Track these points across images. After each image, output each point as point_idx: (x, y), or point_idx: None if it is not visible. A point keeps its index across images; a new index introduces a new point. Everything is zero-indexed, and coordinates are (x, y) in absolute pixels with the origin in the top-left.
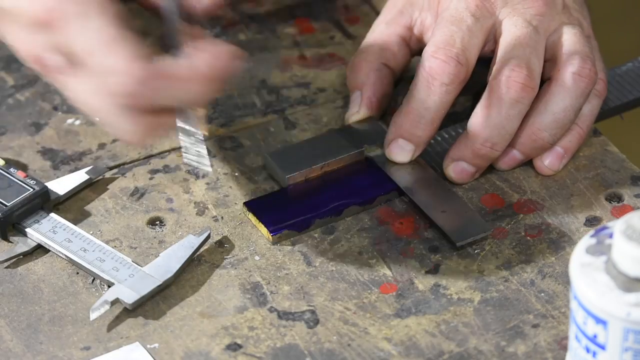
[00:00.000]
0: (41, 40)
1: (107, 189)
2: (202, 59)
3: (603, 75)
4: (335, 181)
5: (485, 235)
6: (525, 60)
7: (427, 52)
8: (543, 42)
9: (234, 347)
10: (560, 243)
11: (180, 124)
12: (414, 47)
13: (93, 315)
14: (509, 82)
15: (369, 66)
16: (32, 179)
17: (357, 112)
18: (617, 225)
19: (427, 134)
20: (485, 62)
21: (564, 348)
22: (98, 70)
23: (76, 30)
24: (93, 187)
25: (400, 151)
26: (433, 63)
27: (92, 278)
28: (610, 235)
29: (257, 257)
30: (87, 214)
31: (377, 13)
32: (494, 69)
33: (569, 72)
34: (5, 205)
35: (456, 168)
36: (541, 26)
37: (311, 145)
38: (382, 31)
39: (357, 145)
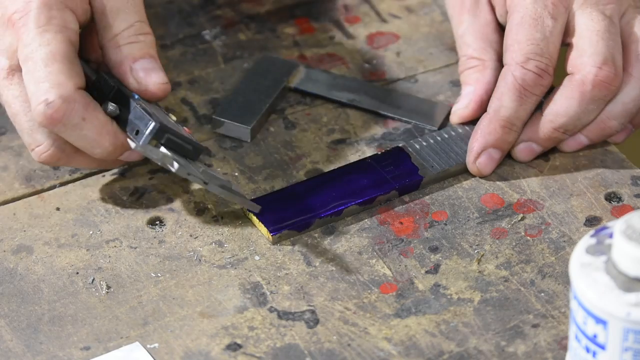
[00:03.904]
0: None
1: (107, 189)
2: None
3: None
4: (335, 181)
5: (448, 110)
6: (611, 58)
7: (515, 60)
8: (619, 32)
9: (234, 347)
10: (560, 243)
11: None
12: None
13: (136, 146)
14: (595, 80)
15: (484, 64)
16: (193, 137)
17: (466, 107)
18: (617, 225)
19: (515, 140)
20: None
21: (564, 348)
22: (30, 80)
23: (30, 37)
24: (93, 187)
25: (490, 161)
26: (526, 75)
27: (92, 278)
28: (610, 235)
29: (257, 257)
30: (87, 214)
31: (377, 13)
32: (578, 62)
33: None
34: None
35: (525, 148)
36: (614, 14)
37: (245, 91)
38: (473, 22)
39: (280, 79)
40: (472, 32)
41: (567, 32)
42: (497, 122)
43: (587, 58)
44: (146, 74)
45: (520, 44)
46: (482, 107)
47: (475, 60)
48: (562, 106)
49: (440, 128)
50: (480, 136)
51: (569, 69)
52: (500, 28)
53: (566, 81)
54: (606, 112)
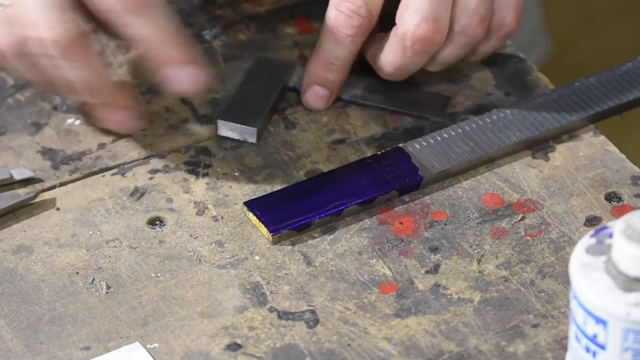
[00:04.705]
0: None
1: (107, 189)
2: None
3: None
4: (335, 181)
5: (448, 100)
6: (431, 16)
7: (333, 2)
8: None
9: (233, 347)
10: (560, 243)
11: None
12: None
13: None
14: (414, 37)
15: None
16: None
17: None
18: (617, 225)
19: (339, 79)
20: None
21: (564, 348)
22: (22, 17)
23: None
24: (93, 187)
25: (316, 97)
26: (337, 16)
27: (92, 278)
28: (610, 235)
29: (257, 257)
30: (87, 214)
31: None
32: (402, 15)
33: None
34: None
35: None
36: None
37: (246, 93)
38: None
39: (279, 79)
40: None
41: None
42: (317, 62)
43: (409, 13)
44: None
45: None
46: None
47: None
48: (387, 58)
49: (440, 128)
50: (306, 75)
51: (396, 19)
52: None
53: (392, 32)
54: (427, 66)
